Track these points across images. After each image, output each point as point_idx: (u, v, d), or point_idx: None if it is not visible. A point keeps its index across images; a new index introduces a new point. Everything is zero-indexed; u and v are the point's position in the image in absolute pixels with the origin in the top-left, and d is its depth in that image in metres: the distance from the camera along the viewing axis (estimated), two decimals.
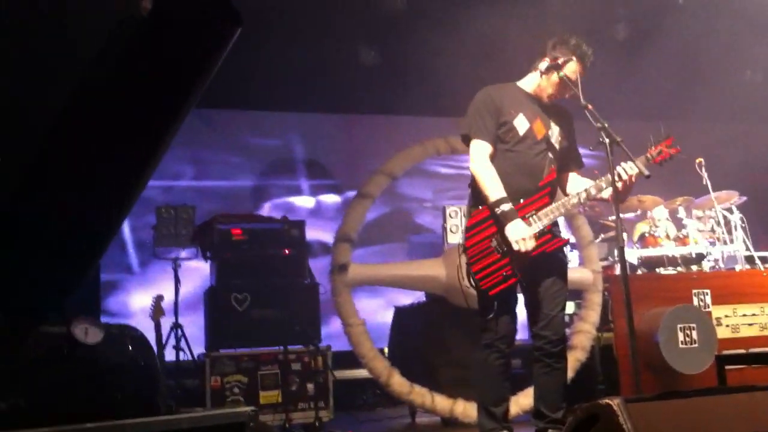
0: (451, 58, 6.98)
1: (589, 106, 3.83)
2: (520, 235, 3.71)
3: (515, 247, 3.70)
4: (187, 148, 7.86)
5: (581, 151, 4.22)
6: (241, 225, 5.71)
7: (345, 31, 7.70)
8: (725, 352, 5.31)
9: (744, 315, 5.75)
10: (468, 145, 3.94)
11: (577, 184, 4.04)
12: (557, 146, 3.98)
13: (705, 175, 6.66)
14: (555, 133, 3.97)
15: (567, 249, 7.04)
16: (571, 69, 3.91)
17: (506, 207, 3.74)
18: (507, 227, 3.72)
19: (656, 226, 6.66)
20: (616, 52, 8.25)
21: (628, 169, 3.82)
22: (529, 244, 3.72)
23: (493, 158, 3.88)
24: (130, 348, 2.82)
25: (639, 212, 7.09)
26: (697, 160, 6.71)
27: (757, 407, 2.72)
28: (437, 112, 7.95)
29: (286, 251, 5.68)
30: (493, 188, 3.78)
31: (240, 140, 8.36)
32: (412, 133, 7.08)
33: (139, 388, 2.75)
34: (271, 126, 8.50)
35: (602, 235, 6.99)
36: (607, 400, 2.62)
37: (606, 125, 3.80)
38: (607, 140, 3.78)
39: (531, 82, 4.05)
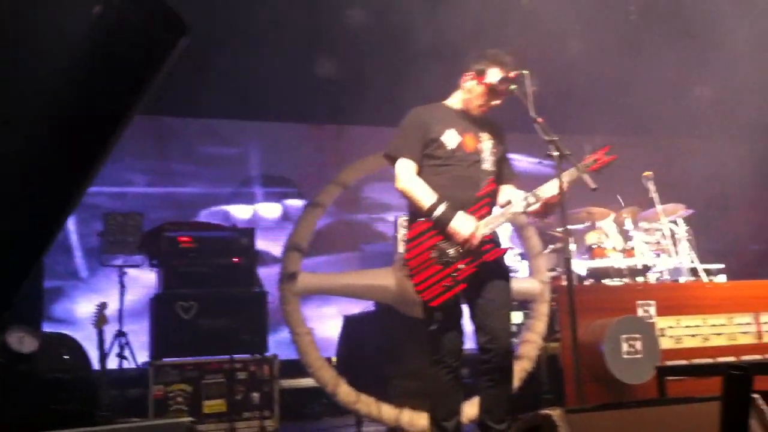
0: (410, 69, 7.01)
1: (539, 120, 3.87)
2: (466, 226, 3.73)
3: (464, 235, 3.71)
4: (141, 155, 7.81)
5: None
6: (190, 233, 5.65)
7: (303, 41, 7.70)
8: (667, 363, 5.42)
9: (687, 326, 5.84)
10: (393, 165, 3.98)
11: (510, 196, 4.06)
12: (491, 159, 4.01)
13: (652, 188, 6.77)
14: (488, 146, 4.01)
15: (517, 259, 7.12)
16: (496, 77, 3.96)
17: (442, 208, 3.77)
18: (452, 224, 3.74)
19: (607, 236, 6.75)
20: (568, 67, 8.37)
21: (548, 190, 3.86)
22: (477, 232, 3.74)
23: (426, 175, 3.91)
24: (67, 357, 2.75)
25: (588, 224, 7.17)
26: (645, 174, 6.83)
27: (694, 418, 2.76)
28: (395, 123, 7.97)
29: (235, 260, 5.62)
30: (425, 197, 3.82)
31: (195, 148, 8.31)
32: (370, 143, 7.10)
33: (75, 399, 2.68)
34: (227, 135, 8.46)
35: (551, 246, 7.05)
36: (548, 411, 2.64)
37: (556, 138, 3.85)
38: (556, 153, 3.83)
39: (457, 99, 4.12)
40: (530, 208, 3.91)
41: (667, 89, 8.51)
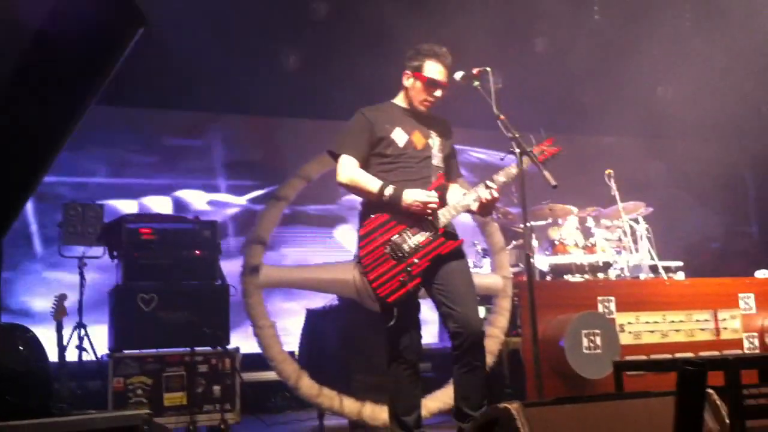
0: (374, 63, 7.01)
1: (502, 117, 3.90)
2: (419, 195, 3.79)
3: (422, 201, 3.77)
4: (105, 145, 7.74)
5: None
6: (151, 224, 5.58)
7: (269, 34, 7.66)
8: (627, 358, 5.49)
9: (646, 322, 5.91)
10: (336, 162, 4.01)
11: (456, 193, 4.09)
12: (440, 155, 4.07)
13: (613, 185, 6.84)
14: (436, 143, 4.07)
15: (480, 255, 7.16)
16: (433, 69, 4.00)
17: (390, 189, 3.82)
18: (404, 197, 3.79)
19: (567, 234, 6.82)
20: (534, 65, 8.42)
21: (492, 184, 3.89)
22: (432, 198, 3.80)
23: (377, 173, 3.94)
24: (21, 348, 2.73)
25: (550, 220, 7.23)
26: (606, 172, 6.89)
27: (650, 412, 2.81)
28: None
29: (197, 252, 5.58)
30: (370, 183, 3.87)
31: (160, 139, 8.25)
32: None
33: (30, 391, 2.66)
34: (192, 126, 8.42)
35: (514, 242, 7.10)
36: (506, 404, 2.66)
37: (517, 135, 3.88)
38: (517, 150, 3.86)
39: (402, 98, 4.15)
40: (472, 207, 3.93)
41: (630, 88, 8.59)
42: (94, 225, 5.90)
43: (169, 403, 5.27)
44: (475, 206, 3.93)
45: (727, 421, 2.88)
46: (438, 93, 4.03)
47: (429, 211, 3.81)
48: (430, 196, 3.82)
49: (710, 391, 2.90)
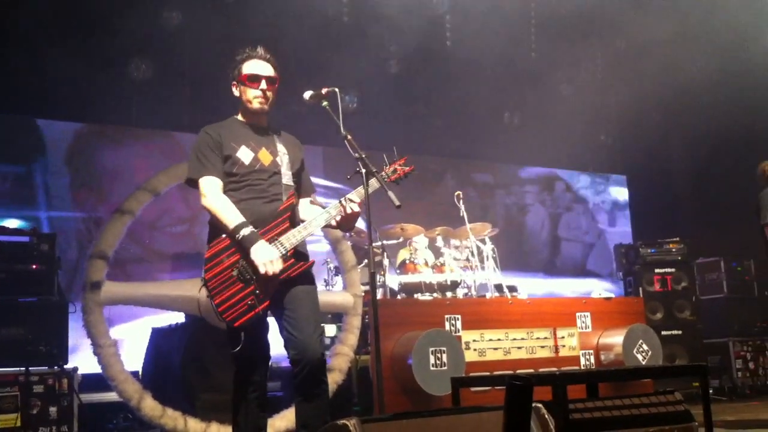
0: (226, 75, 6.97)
1: (348, 137, 3.92)
2: (267, 257, 3.67)
3: (262, 270, 3.65)
4: None
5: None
6: None
7: (119, 42, 7.46)
8: (471, 374, 5.64)
9: (490, 340, 6.10)
10: (196, 188, 3.88)
11: (309, 210, 4.07)
12: (289, 173, 4.00)
13: (462, 207, 7.04)
14: (284, 160, 4.00)
15: (332, 273, 7.19)
16: (250, 66, 3.95)
17: (246, 231, 3.69)
18: (252, 250, 3.67)
19: (416, 253, 6.96)
20: (389, 88, 8.58)
21: (355, 198, 3.91)
22: (276, 266, 3.69)
23: (226, 192, 3.85)
24: None
25: (401, 239, 7.36)
26: (456, 193, 7.09)
27: (482, 426, 2.88)
28: None
29: (34, 266, 5.33)
30: (230, 216, 3.73)
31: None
32: (182, 150, 6.93)
33: None
34: (42, 134, 8.01)
35: (365, 261, 7.16)
36: (344, 421, 2.68)
37: (363, 156, 3.90)
38: (363, 170, 3.89)
39: (242, 113, 4.08)
40: (332, 221, 3.93)
41: (478, 115, 8.90)
42: None
43: (2, 425, 5.05)
44: (326, 223, 3.91)
45: None
46: (264, 85, 3.93)
47: (266, 275, 3.69)
48: (275, 264, 3.69)
49: (539, 405, 3.01)
